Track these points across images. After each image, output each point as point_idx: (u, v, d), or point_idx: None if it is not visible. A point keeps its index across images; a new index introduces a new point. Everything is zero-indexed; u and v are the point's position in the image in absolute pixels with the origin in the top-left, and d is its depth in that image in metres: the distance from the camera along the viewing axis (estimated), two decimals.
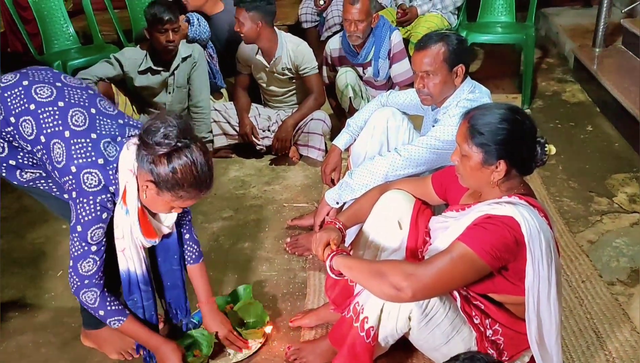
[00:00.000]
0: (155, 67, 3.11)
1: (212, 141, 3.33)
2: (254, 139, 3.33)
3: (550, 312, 1.60)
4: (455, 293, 1.66)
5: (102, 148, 1.64)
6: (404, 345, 1.80)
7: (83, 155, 1.61)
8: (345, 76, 3.23)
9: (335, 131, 3.08)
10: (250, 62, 3.30)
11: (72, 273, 1.72)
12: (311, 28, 4.32)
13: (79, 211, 1.63)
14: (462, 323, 1.66)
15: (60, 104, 1.65)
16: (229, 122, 3.37)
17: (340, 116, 3.42)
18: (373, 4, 3.10)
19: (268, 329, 2.08)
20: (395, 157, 2.13)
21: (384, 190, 1.96)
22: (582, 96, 4.07)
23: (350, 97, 3.23)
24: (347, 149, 2.54)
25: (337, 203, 2.25)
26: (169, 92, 3.21)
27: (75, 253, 1.69)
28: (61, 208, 1.83)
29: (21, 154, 1.71)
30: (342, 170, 2.59)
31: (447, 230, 1.71)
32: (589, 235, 2.58)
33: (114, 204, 1.68)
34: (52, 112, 1.63)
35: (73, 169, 1.60)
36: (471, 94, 2.13)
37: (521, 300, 1.61)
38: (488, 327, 1.67)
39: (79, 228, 1.65)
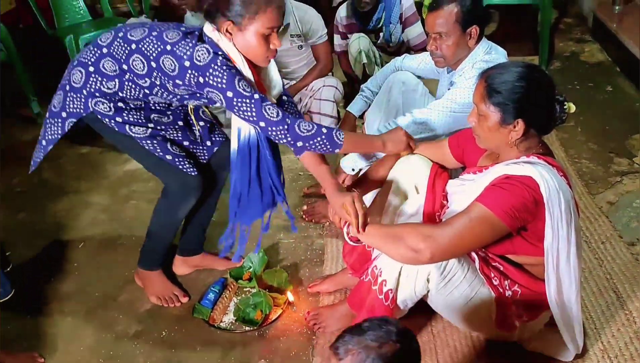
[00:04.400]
0: None
1: (225, 112, 3.31)
2: None
3: (570, 272, 1.60)
4: (474, 255, 1.66)
5: (194, 34, 1.75)
6: (423, 309, 1.81)
7: (184, 47, 1.69)
8: (358, 42, 3.17)
9: (348, 100, 3.05)
10: None
11: (271, 127, 1.71)
12: None
13: (216, 83, 1.67)
14: (481, 284, 1.66)
15: (154, 33, 1.75)
16: None
17: (354, 84, 3.38)
18: None
19: (290, 297, 2.11)
20: (411, 121, 2.10)
21: (400, 155, 1.95)
22: (601, 56, 3.98)
23: (363, 64, 3.18)
24: (361, 116, 2.52)
25: (353, 170, 2.24)
26: None
27: (252, 112, 1.69)
28: (156, 167, 1.96)
29: (125, 112, 1.84)
30: None
31: (465, 192, 1.70)
32: (608, 196, 2.55)
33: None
34: (150, 41, 1.74)
35: (186, 63, 1.68)
36: (487, 55, 2.09)
37: (540, 260, 1.60)
38: (507, 287, 1.67)
39: (229, 94, 1.67)
